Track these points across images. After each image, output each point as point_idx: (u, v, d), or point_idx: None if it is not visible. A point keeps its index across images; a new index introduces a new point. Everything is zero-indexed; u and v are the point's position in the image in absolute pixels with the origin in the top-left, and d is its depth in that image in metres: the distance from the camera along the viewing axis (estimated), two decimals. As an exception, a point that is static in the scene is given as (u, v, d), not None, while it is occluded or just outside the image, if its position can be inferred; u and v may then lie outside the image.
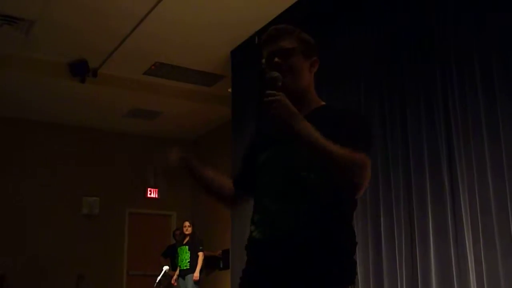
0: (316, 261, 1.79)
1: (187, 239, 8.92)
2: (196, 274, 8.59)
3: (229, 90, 7.80)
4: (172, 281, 8.78)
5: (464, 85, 4.52)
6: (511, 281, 3.91)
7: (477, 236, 4.20)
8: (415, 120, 4.89)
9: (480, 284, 4.11)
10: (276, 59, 1.95)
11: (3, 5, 6.44)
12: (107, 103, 9.02)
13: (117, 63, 7.95)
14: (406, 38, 5.08)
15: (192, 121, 9.86)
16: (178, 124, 10.00)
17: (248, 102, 7.02)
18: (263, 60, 2.01)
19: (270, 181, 1.95)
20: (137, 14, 6.68)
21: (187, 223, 8.98)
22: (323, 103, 2.06)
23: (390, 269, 4.88)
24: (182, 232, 9.06)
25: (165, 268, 7.55)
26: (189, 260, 8.71)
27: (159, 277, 7.21)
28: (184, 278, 8.68)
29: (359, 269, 4.90)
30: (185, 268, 8.71)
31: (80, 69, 7.91)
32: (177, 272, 8.80)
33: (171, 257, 9.24)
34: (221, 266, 9.32)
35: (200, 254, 8.72)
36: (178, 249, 8.94)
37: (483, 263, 4.12)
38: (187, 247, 8.83)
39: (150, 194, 10.54)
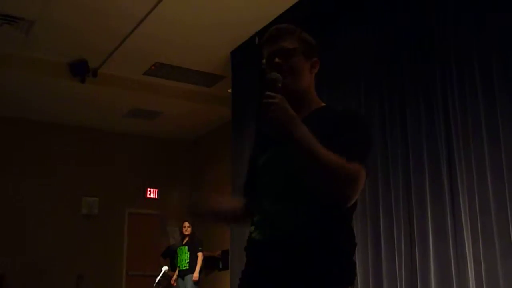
0: (316, 262, 1.79)
1: (186, 239, 8.92)
2: (196, 275, 8.59)
3: (229, 90, 7.81)
4: (172, 282, 8.78)
5: (464, 85, 4.52)
6: (510, 281, 3.91)
7: (476, 236, 4.20)
8: (414, 120, 4.89)
9: (479, 284, 4.11)
10: (277, 60, 1.94)
11: (3, 5, 6.44)
12: (107, 103, 9.02)
13: (117, 63, 7.95)
14: (406, 38, 5.08)
15: (192, 122, 9.86)
16: (178, 125, 10.00)
17: (248, 102, 7.02)
18: (264, 60, 2.00)
19: (270, 182, 1.94)
20: (137, 14, 6.68)
21: (186, 224, 8.98)
22: (323, 104, 2.05)
23: (389, 269, 4.88)
24: (181, 233, 9.06)
25: (165, 268, 7.55)
26: (188, 260, 8.71)
27: (158, 278, 7.21)
28: (183, 279, 8.68)
29: (358, 270, 4.90)
30: (184, 268, 8.71)
31: (80, 69, 7.91)
32: (177, 272, 8.79)
33: (171, 258, 9.23)
34: (221, 266, 9.32)
35: (200, 254, 8.72)
36: (178, 249, 8.94)
37: (482, 263, 4.12)
38: (186, 247, 8.83)
39: (150, 194, 10.54)
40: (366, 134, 1.97)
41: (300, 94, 1.97)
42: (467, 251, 4.29)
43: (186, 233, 8.92)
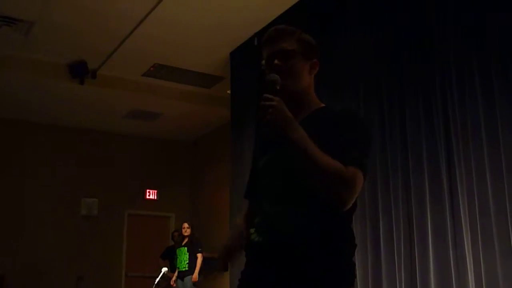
0: (316, 263, 1.79)
1: (186, 240, 8.92)
2: (195, 276, 8.59)
3: (228, 91, 7.80)
4: (171, 283, 8.78)
5: (463, 86, 4.51)
6: (510, 282, 3.90)
7: (476, 237, 4.20)
8: (414, 121, 4.88)
9: (479, 286, 4.11)
10: (276, 61, 1.94)
11: (3, 6, 6.44)
12: (106, 105, 9.02)
13: (116, 65, 7.95)
14: (405, 38, 5.08)
15: (191, 123, 9.86)
16: (177, 126, 10.00)
17: (248, 103, 7.02)
18: (263, 61, 2.00)
19: (269, 184, 1.94)
20: (137, 15, 6.68)
21: (186, 225, 8.98)
22: (323, 104, 2.05)
23: (388, 271, 4.87)
24: (181, 234, 9.06)
25: (164, 269, 7.53)
26: (187, 261, 8.72)
27: (157, 279, 7.19)
28: (182, 280, 8.69)
29: (357, 271, 4.90)
30: (183, 269, 8.71)
31: (79, 70, 7.91)
32: (176, 273, 8.80)
33: (170, 259, 9.23)
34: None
35: (199, 255, 8.72)
36: (177, 250, 8.94)
37: (482, 264, 4.11)
38: (186, 248, 8.83)
39: (149, 195, 10.54)
40: (366, 135, 1.97)
41: (299, 95, 1.98)
42: (466, 253, 4.28)
43: (186, 234, 8.92)
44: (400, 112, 5.04)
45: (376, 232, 5.04)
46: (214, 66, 8.00)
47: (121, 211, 10.15)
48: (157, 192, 10.57)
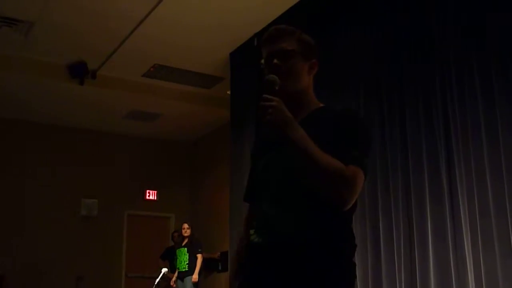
0: (316, 263, 1.79)
1: (185, 241, 8.92)
2: (195, 276, 8.60)
3: (228, 92, 7.80)
4: (171, 283, 8.78)
5: (463, 86, 4.51)
6: (510, 283, 3.90)
7: (476, 238, 4.19)
8: (414, 121, 4.88)
9: (479, 286, 4.10)
10: (275, 61, 1.94)
11: (3, 7, 6.44)
12: (106, 105, 9.02)
13: (116, 65, 7.94)
14: (405, 38, 5.08)
15: (191, 123, 9.86)
16: (177, 126, 10.00)
17: (247, 104, 7.01)
18: (262, 61, 2.00)
19: (269, 184, 1.94)
20: (137, 16, 6.67)
21: (185, 225, 8.99)
22: (322, 104, 2.05)
23: (388, 271, 4.87)
24: (180, 234, 9.06)
25: (164, 270, 7.54)
26: (187, 262, 8.72)
27: (157, 279, 7.20)
28: (182, 280, 8.69)
29: (357, 272, 4.89)
30: (183, 270, 8.71)
31: (79, 71, 7.91)
32: (176, 274, 8.80)
33: (170, 259, 9.24)
34: (220, 268, 9.31)
35: (199, 256, 8.72)
36: (177, 251, 8.94)
37: (482, 265, 4.11)
38: (185, 249, 8.83)
39: (149, 196, 10.54)
40: (366, 134, 1.97)
41: (298, 95, 1.97)
42: (466, 253, 4.28)
43: (186, 234, 8.92)
44: (400, 112, 5.03)
45: (376, 232, 5.04)
46: (214, 67, 7.99)
47: (121, 211, 10.15)
48: (157, 193, 10.56)
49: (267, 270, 1.84)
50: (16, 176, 9.33)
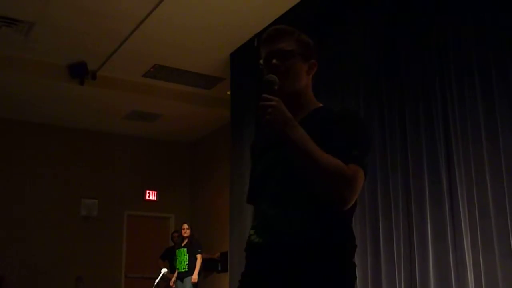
0: (316, 264, 1.78)
1: (185, 241, 8.91)
2: (195, 277, 8.59)
3: (228, 92, 7.80)
4: (171, 284, 8.77)
5: (463, 87, 4.51)
6: (509, 284, 3.90)
7: (476, 239, 4.19)
8: (414, 121, 4.88)
9: (479, 287, 4.10)
10: (274, 61, 1.93)
11: (3, 7, 6.44)
12: (106, 105, 9.02)
13: (116, 65, 7.95)
14: (406, 39, 5.08)
15: (191, 124, 9.86)
16: (177, 127, 10.00)
17: (247, 104, 7.01)
18: (261, 61, 2.00)
19: (269, 184, 1.93)
20: (137, 16, 6.68)
21: (185, 226, 8.98)
22: (321, 104, 2.05)
23: (388, 272, 4.87)
24: (180, 235, 9.05)
25: (164, 270, 7.54)
26: (187, 262, 8.71)
27: (157, 280, 7.19)
28: (182, 281, 8.68)
29: (357, 273, 4.88)
30: (183, 270, 8.70)
31: (79, 71, 7.91)
32: (176, 274, 8.79)
33: (170, 260, 9.23)
34: (220, 268, 9.31)
35: (199, 256, 8.72)
36: (177, 251, 8.93)
37: (481, 266, 4.11)
38: (185, 249, 8.82)
39: (149, 196, 10.54)
40: (365, 133, 1.97)
41: (297, 95, 1.97)
42: (466, 254, 4.27)
43: (185, 235, 8.92)
44: (400, 112, 5.03)
45: (376, 233, 5.03)
46: (214, 67, 7.99)
47: (121, 212, 10.15)
48: (157, 193, 10.56)
49: (267, 270, 1.84)
50: (16, 176, 9.33)
